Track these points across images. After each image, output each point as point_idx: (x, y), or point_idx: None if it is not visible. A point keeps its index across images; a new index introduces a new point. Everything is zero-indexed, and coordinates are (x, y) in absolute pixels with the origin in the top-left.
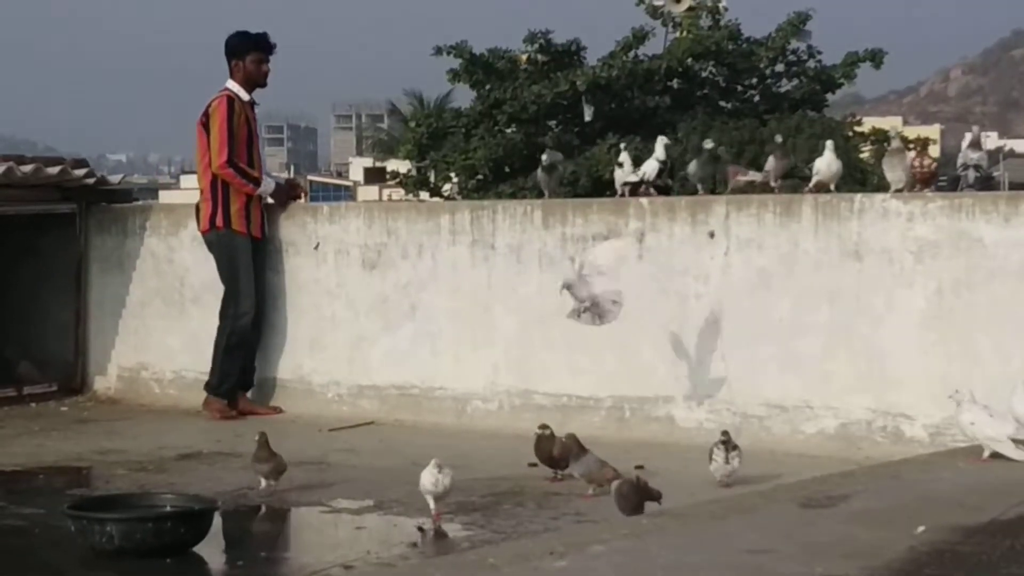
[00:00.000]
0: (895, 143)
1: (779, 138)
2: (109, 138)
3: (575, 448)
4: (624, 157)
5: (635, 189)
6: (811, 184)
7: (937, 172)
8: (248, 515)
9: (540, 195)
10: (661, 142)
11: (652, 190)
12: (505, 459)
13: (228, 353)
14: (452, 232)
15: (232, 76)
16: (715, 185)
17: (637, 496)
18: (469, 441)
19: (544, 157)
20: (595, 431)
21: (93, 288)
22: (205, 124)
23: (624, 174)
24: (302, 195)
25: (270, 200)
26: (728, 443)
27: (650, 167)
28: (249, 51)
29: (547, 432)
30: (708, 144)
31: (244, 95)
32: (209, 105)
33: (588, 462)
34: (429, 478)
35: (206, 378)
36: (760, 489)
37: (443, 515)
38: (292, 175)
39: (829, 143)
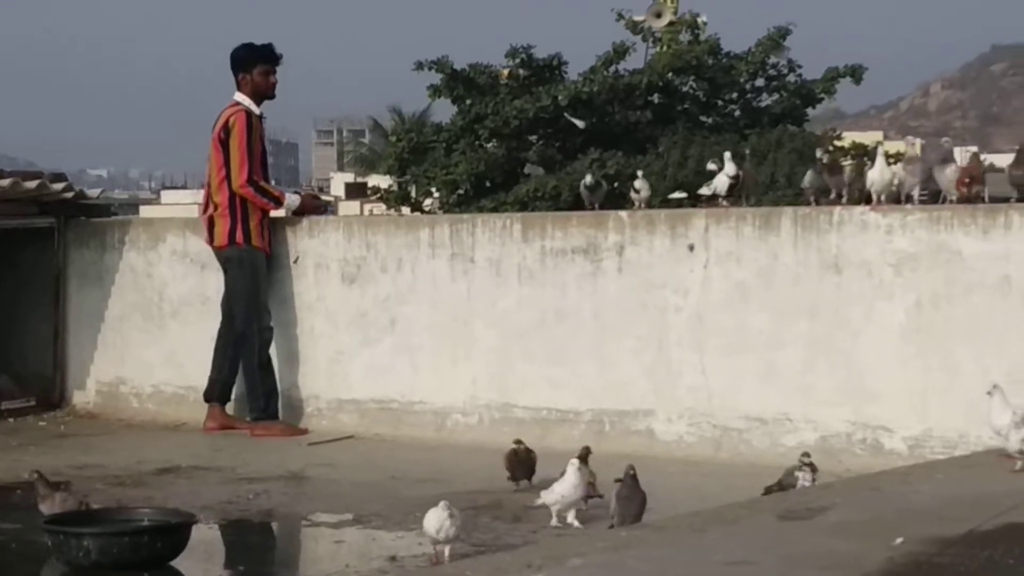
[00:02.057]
0: (911, 151)
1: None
2: (90, 153)
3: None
4: (641, 183)
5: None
6: (873, 197)
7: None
8: (226, 529)
9: (522, 209)
10: (729, 158)
11: (724, 203)
12: (484, 473)
13: (264, 370)
14: (432, 246)
15: (240, 89)
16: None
17: (637, 502)
18: (449, 455)
19: (588, 178)
20: (575, 444)
21: (72, 302)
22: (223, 140)
23: (642, 198)
24: (325, 208)
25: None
26: (813, 466)
27: (720, 183)
28: (256, 63)
29: (523, 446)
30: (819, 154)
31: (255, 108)
32: (227, 120)
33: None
34: (434, 522)
35: (183, 392)
36: (740, 501)
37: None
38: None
39: (880, 149)
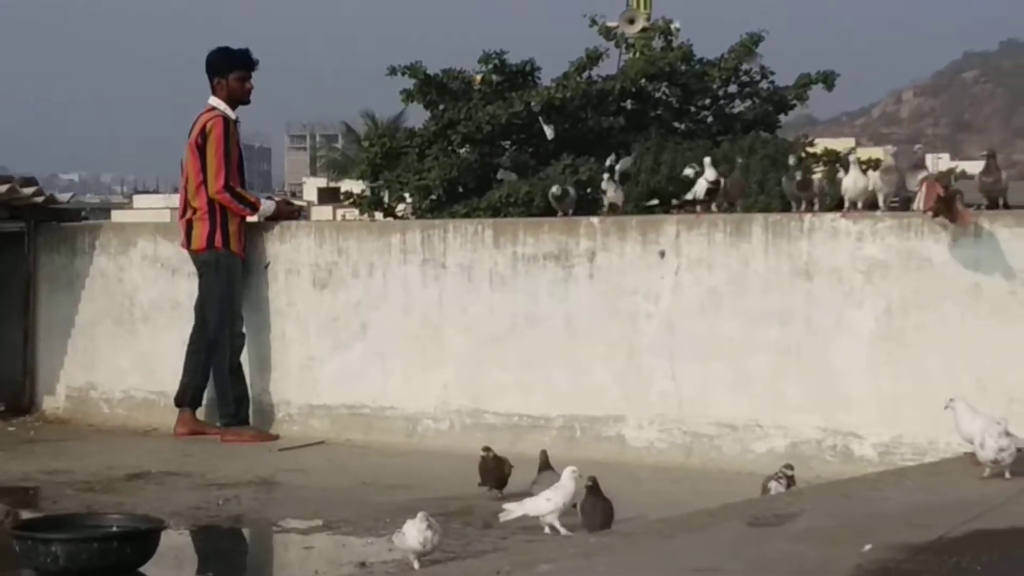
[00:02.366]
0: (888, 160)
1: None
2: (62, 157)
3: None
4: (607, 184)
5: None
6: (846, 204)
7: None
8: (196, 535)
9: (494, 214)
10: (708, 163)
11: (699, 208)
12: (455, 479)
13: (234, 375)
14: (403, 251)
15: (215, 93)
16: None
17: (601, 511)
18: (419, 461)
19: (555, 188)
20: (546, 450)
21: (42, 307)
22: (200, 145)
23: (609, 199)
24: (299, 213)
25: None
26: (791, 479)
27: (700, 187)
28: (232, 68)
29: (491, 454)
30: (792, 161)
31: (231, 114)
32: (204, 125)
33: (551, 479)
34: (416, 536)
35: (154, 397)
36: (709, 508)
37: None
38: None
39: (853, 158)
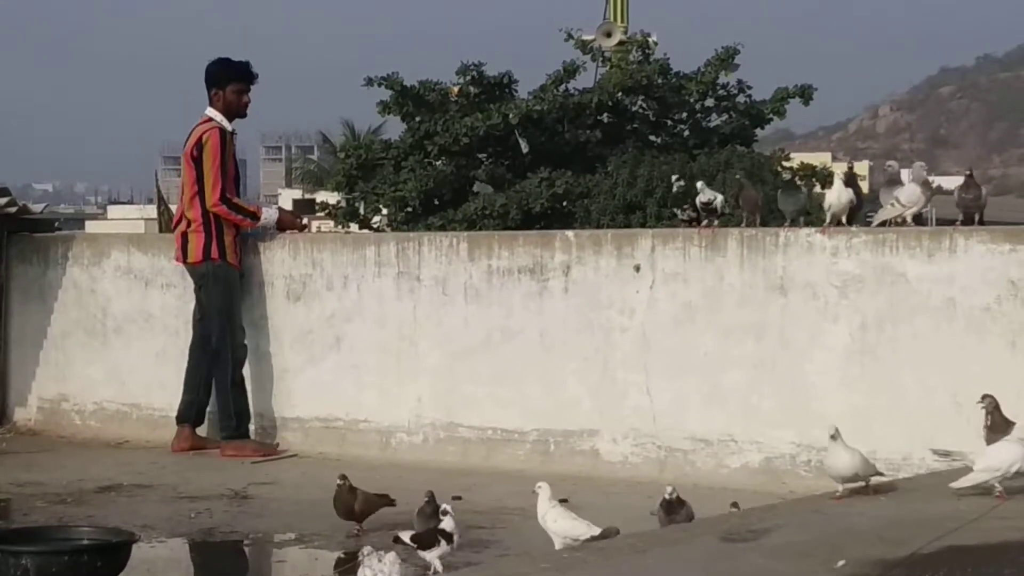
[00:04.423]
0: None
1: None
2: (35, 168)
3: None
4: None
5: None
6: (827, 219)
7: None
8: (168, 548)
9: (470, 227)
10: (701, 186)
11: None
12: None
13: (236, 387)
14: (378, 264)
15: (212, 104)
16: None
17: None
18: (393, 474)
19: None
20: (520, 464)
21: (14, 318)
22: (195, 157)
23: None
24: (306, 226)
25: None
26: None
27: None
28: (230, 80)
29: (346, 484)
30: (786, 176)
31: (228, 126)
32: (200, 137)
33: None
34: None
35: (126, 410)
36: (683, 523)
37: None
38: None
39: (838, 172)
